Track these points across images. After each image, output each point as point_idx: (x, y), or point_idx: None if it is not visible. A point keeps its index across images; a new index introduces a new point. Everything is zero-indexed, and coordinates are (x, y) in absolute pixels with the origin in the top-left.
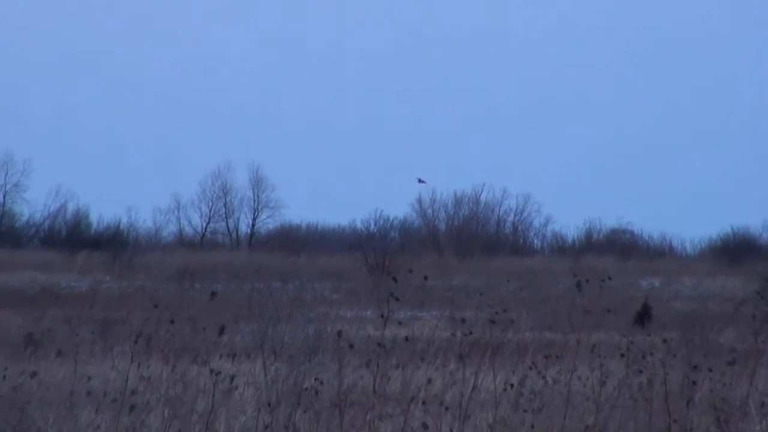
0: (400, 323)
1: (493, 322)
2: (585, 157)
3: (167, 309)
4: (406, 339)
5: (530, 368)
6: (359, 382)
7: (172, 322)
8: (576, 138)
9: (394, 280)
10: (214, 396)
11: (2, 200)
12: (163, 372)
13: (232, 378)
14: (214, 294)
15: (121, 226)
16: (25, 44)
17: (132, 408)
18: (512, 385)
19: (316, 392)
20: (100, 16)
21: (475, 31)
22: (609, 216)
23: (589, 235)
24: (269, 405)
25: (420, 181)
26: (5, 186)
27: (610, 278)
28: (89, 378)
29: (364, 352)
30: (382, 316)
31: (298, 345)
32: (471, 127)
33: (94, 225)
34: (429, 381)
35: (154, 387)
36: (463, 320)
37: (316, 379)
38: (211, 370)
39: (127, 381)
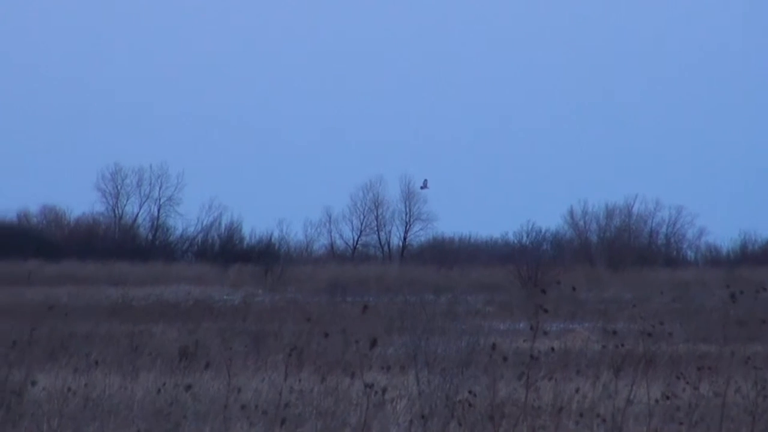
0: (545, 333)
1: (649, 334)
2: (740, 168)
3: (319, 322)
4: (552, 350)
5: (679, 379)
6: (512, 395)
7: (326, 335)
8: (730, 148)
9: (543, 291)
10: (366, 409)
11: (157, 214)
12: (314, 385)
13: (384, 391)
14: (365, 307)
15: (273, 239)
16: (176, 58)
17: (283, 421)
18: (668, 398)
19: (470, 404)
20: (251, 31)
21: (624, 43)
22: (765, 227)
23: (744, 246)
24: (422, 417)
25: (423, 186)
26: (160, 200)
27: (765, 289)
28: (239, 390)
29: (516, 364)
30: (531, 328)
31: (451, 357)
32: (622, 138)
33: (247, 238)
34: (577, 391)
35: (306, 400)
36: (615, 332)
37: (469, 391)
38: (365, 384)
39: (280, 394)
